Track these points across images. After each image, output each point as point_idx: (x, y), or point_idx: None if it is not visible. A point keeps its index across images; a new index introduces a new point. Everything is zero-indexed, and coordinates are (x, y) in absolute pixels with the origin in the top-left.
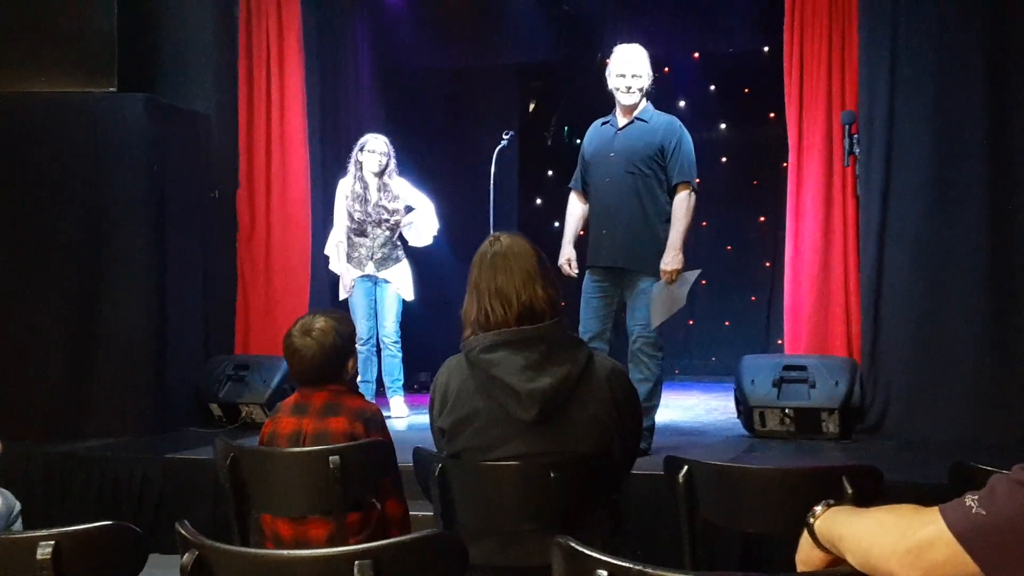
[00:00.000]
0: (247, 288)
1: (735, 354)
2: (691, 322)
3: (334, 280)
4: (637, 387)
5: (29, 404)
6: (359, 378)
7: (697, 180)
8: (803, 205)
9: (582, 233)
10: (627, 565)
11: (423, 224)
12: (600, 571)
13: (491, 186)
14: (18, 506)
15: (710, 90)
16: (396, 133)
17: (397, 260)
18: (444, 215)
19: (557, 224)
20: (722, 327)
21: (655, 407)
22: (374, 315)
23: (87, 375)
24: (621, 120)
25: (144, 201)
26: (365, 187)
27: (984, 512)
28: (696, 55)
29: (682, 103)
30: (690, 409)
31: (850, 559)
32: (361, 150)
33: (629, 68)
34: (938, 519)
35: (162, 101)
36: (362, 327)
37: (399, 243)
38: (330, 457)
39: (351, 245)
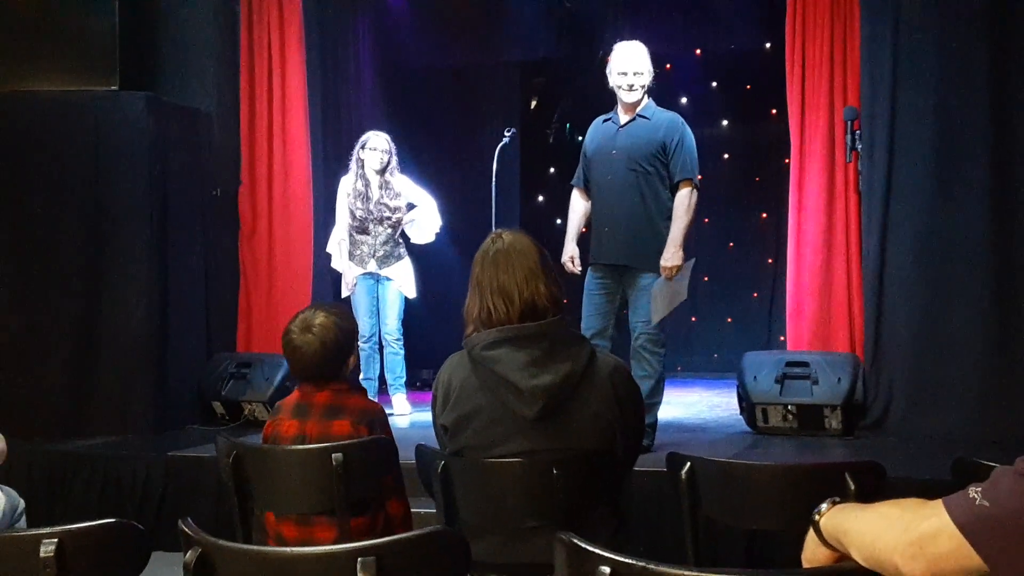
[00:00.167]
0: (249, 286)
1: (737, 351)
2: (694, 319)
3: (336, 278)
4: (639, 384)
5: (32, 403)
6: (361, 375)
7: (699, 177)
8: (805, 202)
9: (584, 230)
10: (630, 562)
11: (426, 221)
12: (603, 568)
13: (493, 183)
14: (22, 504)
15: (712, 87)
16: (398, 130)
17: (399, 258)
18: (446, 213)
19: (559, 221)
20: (724, 324)
21: (657, 404)
22: (376, 312)
23: (90, 373)
24: (623, 117)
25: (146, 199)
26: (367, 185)
27: (988, 504)
28: (698, 52)
29: (684, 100)
30: (692, 406)
31: (855, 554)
32: (363, 148)
33: (631, 66)
34: (942, 511)
35: (164, 99)
36: (364, 325)
37: (401, 240)
38: (333, 454)
39: (353, 243)
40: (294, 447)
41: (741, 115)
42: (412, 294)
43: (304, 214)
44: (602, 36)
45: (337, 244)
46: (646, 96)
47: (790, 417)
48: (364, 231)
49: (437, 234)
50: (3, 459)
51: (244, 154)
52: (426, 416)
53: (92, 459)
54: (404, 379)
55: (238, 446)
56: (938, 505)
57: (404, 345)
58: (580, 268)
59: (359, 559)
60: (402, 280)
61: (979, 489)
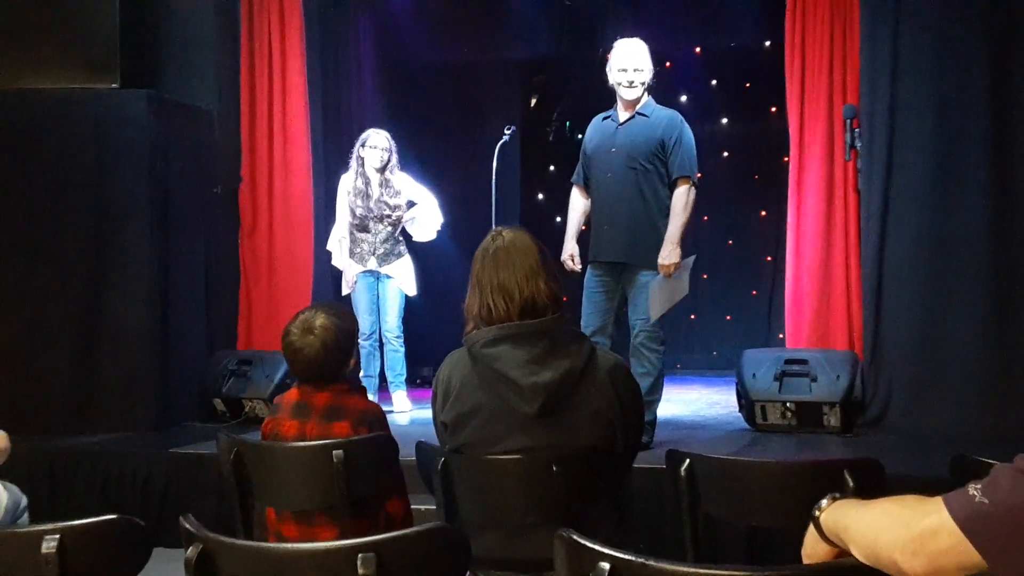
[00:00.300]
0: (250, 283)
1: (736, 348)
2: (693, 316)
3: (337, 275)
4: (639, 381)
5: (34, 399)
6: (361, 373)
7: (699, 175)
8: (804, 199)
9: (584, 228)
10: (629, 558)
11: (426, 219)
12: (602, 564)
13: (493, 181)
14: (24, 500)
15: (711, 84)
16: (398, 128)
17: (399, 255)
18: (446, 210)
19: (559, 219)
20: (723, 321)
21: (657, 401)
22: (377, 310)
23: (91, 370)
24: (622, 115)
25: (147, 197)
26: (367, 183)
27: (987, 501)
28: (697, 49)
29: (683, 97)
30: (692, 403)
31: (855, 550)
32: (363, 146)
33: (630, 63)
34: (941, 508)
35: (165, 97)
36: (365, 322)
37: (401, 238)
38: (334, 452)
39: (353, 240)
40: (295, 444)
41: (741, 113)
42: (412, 292)
43: (305, 211)
44: (602, 34)
45: (338, 242)
46: (646, 94)
47: (789, 414)
48: (364, 229)
49: (438, 231)
50: (6, 456)
51: (245, 152)
52: (426, 413)
53: (94, 456)
54: (404, 376)
55: (239, 443)
56: (938, 502)
57: (404, 342)
58: (580, 266)
59: (359, 555)
60: (402, 278)
61: (979, 486)
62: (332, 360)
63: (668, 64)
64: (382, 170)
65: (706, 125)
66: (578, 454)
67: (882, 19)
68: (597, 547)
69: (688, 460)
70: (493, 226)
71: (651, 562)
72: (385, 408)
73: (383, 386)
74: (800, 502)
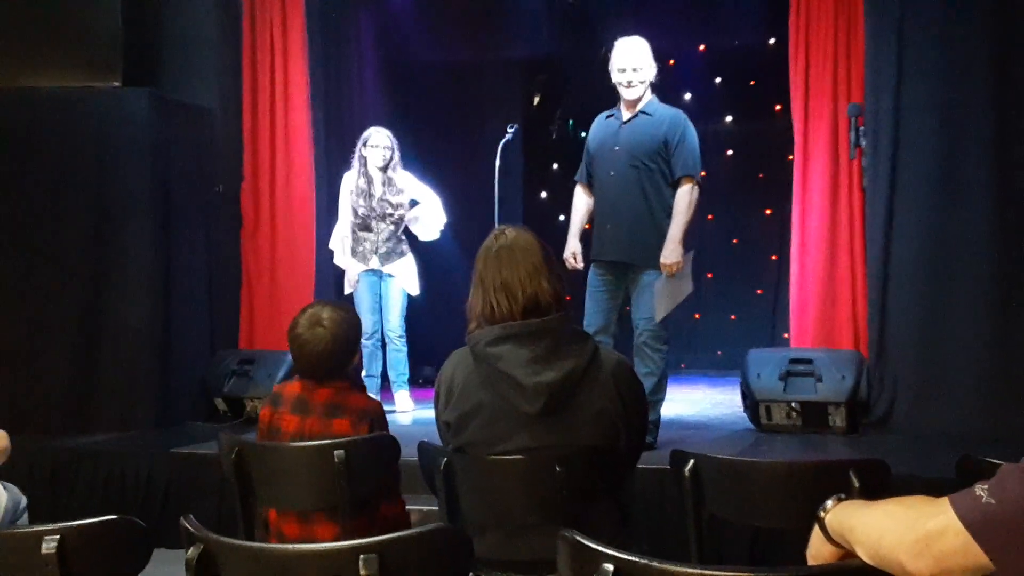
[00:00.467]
0: (252, 282)
1: (741, 348)
2: (697, 316)
3: (339, 274)
4: (642, 381)
5: (35, 399)
6: (364, 373)
7: (702, 173)
8: (809, 198)
9: (587, 227)
10: (633, 559)
11: (430, 218)
12: (606, 565)
13: (496, 180)
14: (24, 500)
15: (716, 83)
16: (400, 127)
17: (402, 254)
18: (449, 209)
19: (562, 218)
20: (728, 321)
21: (660, 401)
22: (379, 309)
23: (93, 370)
24: (625, 113)
25: (149, 196)
26: (369, 182)
27: (994, 502)
28: (702, 48)
29: (687, 96)
30: (696, 403)
31: (860, 551)
32: (364, 145)
33: (630, 62)
34: (948, 509)
35: (166, 96)
36: (367, 321)
37: (404, 237)
38: (335, 452)
39: (356, 239)
40: (296, 444)
41: (745, 111)
42: (415, 291)
43: (306, 210)
44: (605, 32)
45: (340, 241)
46: (649, 92)
47: (794, 414)
48: (367, 228)
49: (441, 231)
50: (6, 456)
51: (247, 151)
52: (428, 413)
53: (95, 456)
54: (407, 376)
55: (241, 443)
56: (944, 503)
57: (407, 342)
58: (582, 264)
59: (361, 556)
60: (405, 277)
61: (985, 487)
62: (339, 353)
63: (672, 62)
64: (385, 169)
65: (710, 124)
66: (581, 454)
67: (886, 17)
68: (601, 548)
69: (692, 460)
70: (496, 225)
71: (655, 563)
72: (387, 408)
73: (385, 386)
74: (805, 503)
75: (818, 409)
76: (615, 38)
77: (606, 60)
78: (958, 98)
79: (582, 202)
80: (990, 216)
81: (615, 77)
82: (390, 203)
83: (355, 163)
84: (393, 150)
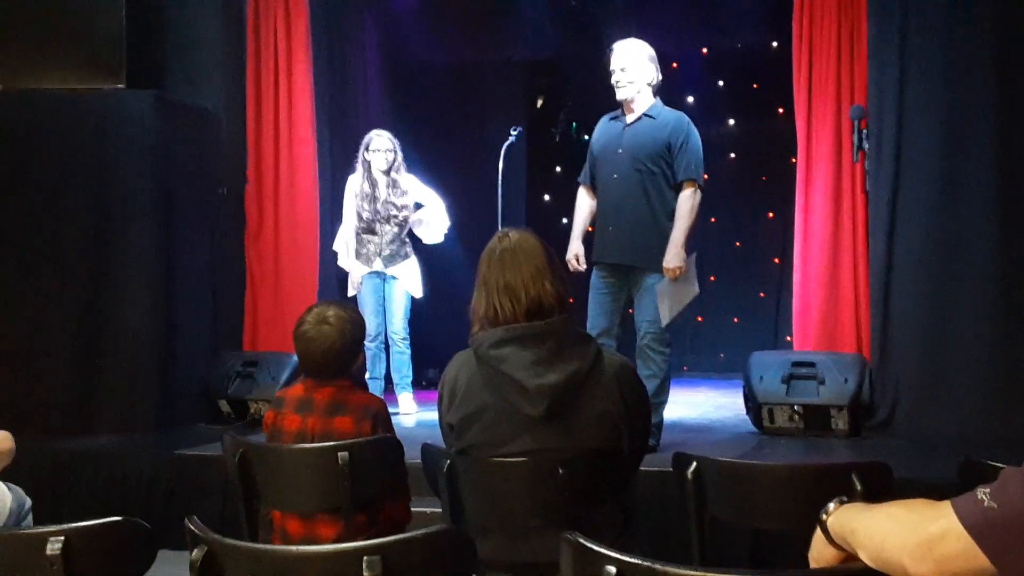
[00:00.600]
0: (255, 284)
1: (744, 350)
2: (700, 318)
3: (343, 276)
4: (645, 383)
5: (38, 401)
6: (367, 375)
7: (705, 176)
8: (812, 201)
9: (590, 228)
10: (636, 561)
11: (434, 221)
12: (609, 567)
13: (499, 182)
14: (28, 502)
15: (718, 86)
16: (404, 129)
17: (405, 257)
18: (452, 211)
19: (565, 220)
20: (731, 323)
21: (663, 403)
22: (383, 312)
23: (95, 371)
24: (629, 116)
25: (152, 197)
26: (374, 185)
27: (996, 505)
28: (704, 50)
29: (690, 99)
30: (699, 406)
31: (862, 554)
32: (367, 149)
33: (618, 63)
34: (950, 513)
35: (170, 98)
36: (371, 324)
37: (408, 240)
38: (339, 453)
39: (360, 241)
40: (300, 446)
41: (748, 114)
42: (419, 293)
43: (310, 212)
44: (608, 34)
45: (344, 243)
46: (652, 95)
47: (796, 417)
48: (371, 231)
49: (445, 234)
50: (11, 458)
51: (250, 153)
52: (432, 415)
53: (98, 457)
54: (410, 378)
55: (244, 445)
56: (946, 506)
57: (410, 344)
58: (584, 266)
59: (365, 558)
60: (408, 279)
61: (987, 491)
62: (344, 351)
63: (675, 65)
64: (388, 171)
65: (713, 126)
66: (584, 457)
67: (889, 19)
68: (603, 550)
69: (695, 463)
70: (499, 227)
71: (658, 565)
72: (390, 410)
73: (388, 388)
74: (807, 506)
75: (821, 412)
76: (619, 40)
77: (607, 63)
78: (961, 101)
79: (585, 204)
80: (993, 218)
81: (612, 79)
82: (394, 205)
83: (359, 167)
84: (395, 152)
